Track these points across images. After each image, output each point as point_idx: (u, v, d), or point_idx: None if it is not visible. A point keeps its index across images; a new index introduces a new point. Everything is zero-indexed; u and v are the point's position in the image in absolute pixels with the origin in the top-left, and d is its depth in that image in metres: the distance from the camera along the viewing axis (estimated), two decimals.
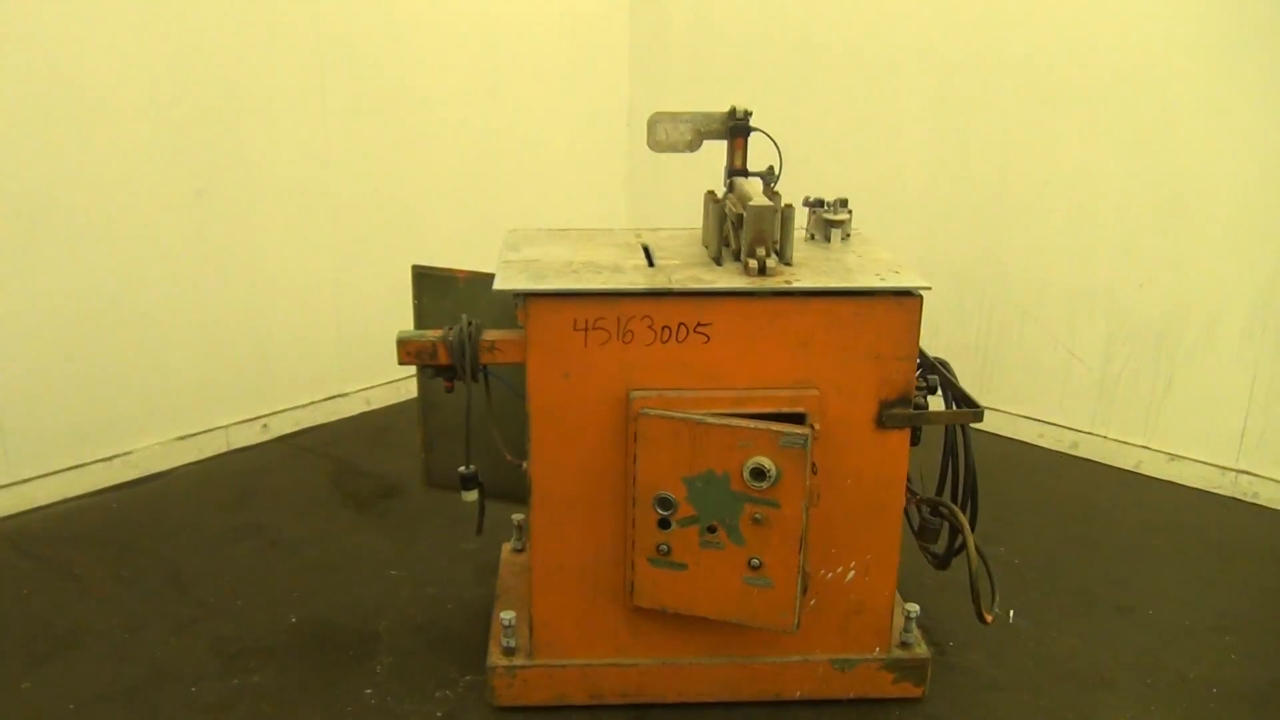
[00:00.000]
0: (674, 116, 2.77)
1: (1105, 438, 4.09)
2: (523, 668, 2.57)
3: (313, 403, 4.39)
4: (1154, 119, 3.76)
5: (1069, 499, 3.84)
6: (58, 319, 3.57)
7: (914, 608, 2.62)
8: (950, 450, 2.68)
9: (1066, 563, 3.36)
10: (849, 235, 2.80)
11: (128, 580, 3.16)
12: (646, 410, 2.32)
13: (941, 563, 2.85)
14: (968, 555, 2.52)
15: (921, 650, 2.64)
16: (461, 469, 2.52)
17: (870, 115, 4.50)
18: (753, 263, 2.38)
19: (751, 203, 2.41)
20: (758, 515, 2.31)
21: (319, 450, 4.17)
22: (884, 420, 2.43)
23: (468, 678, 2.70)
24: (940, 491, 2.74)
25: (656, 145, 2.79)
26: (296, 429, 4.32)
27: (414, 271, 3.00)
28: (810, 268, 2.48)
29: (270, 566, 3.26)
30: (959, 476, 2.68)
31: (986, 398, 4.36)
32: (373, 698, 2.64)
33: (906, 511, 2.80)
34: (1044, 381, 4.21)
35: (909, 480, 2.88)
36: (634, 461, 2.35)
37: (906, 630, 2.63)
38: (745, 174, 2.75)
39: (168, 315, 3.86)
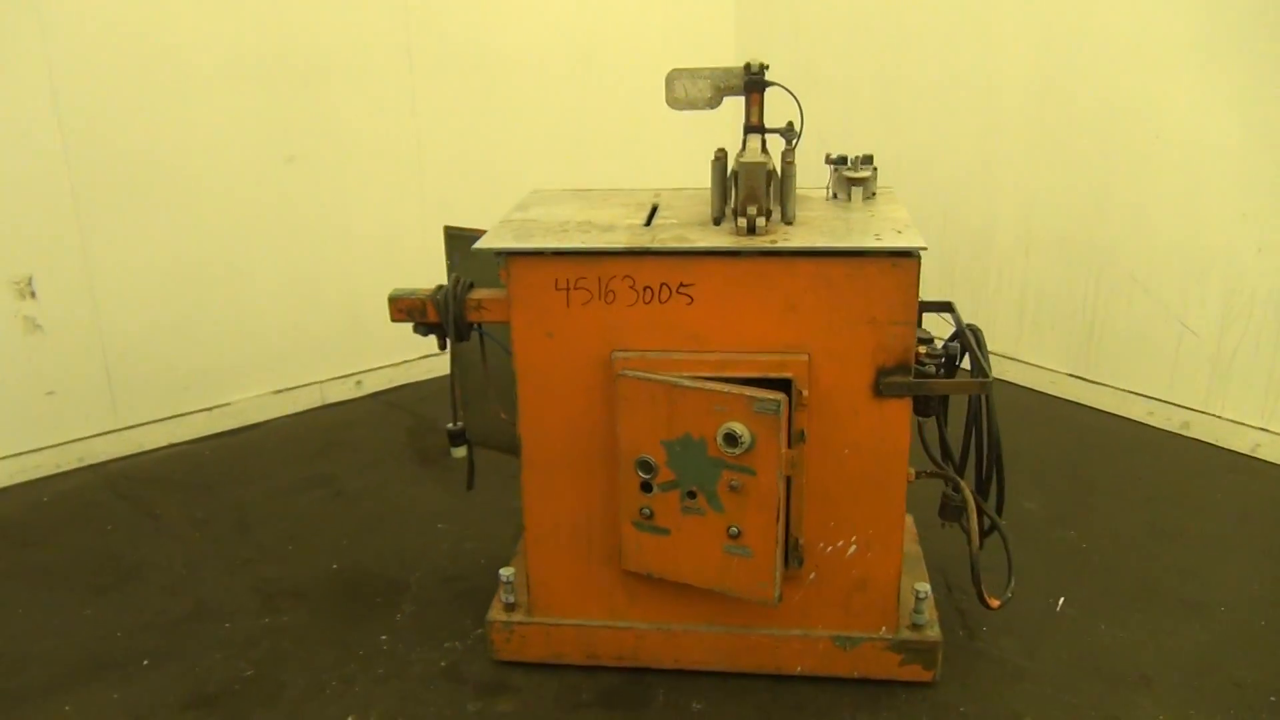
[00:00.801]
0: (693, 73, 2.68)
1: (1219, 417, 3.72)
2: (520, 624, 2.60)
3: (406, 361, 4.55)
4: (1273, 67, 3.37)
5: (1167, 483, 3.53)
6: (162, 278, 3.84)
7: (925, 587, 2.48)
8: (973, 420, 2.52)
9: (1142, 550, 3.09)
10: (874, 194, 2.66)
11: (200, 522, 3.38)
12: (625, 371, 2.29)
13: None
14: (968, 535, 2.36)
15: (933, 633, 2.49)
16: (449, 426, 2.56)
17: (969, 67, 4.24)
18: (742, 221, 2.30)
19: (743, 159, 2.32)
20: (734, 482, 2.24)
21: (406, 407, 4.33)
22: (881, 389, 2.30)
23: (479, 631, 2.75)
24: (963, 466, 2.57)
25: (675, 103, 2.71)
26: (389, 386, 4.50)
27: (445, 232, 3.06)
28: (811, 227, 2.37)
29: (330, 515, 3.42)
30: (981, 449, 2.51)
31: (1092, 370, 4.07)
32: (385, 644, 2.73)
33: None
34: (1154, 354, 3.87)
35: (944, 454, 2.73)
36: (616, 423, 2.33)
37: (918, 611, 2.50)
38: (762, 131, 2.64)
39: (264, 275, 4.09)
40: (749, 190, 2.31)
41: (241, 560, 3.15)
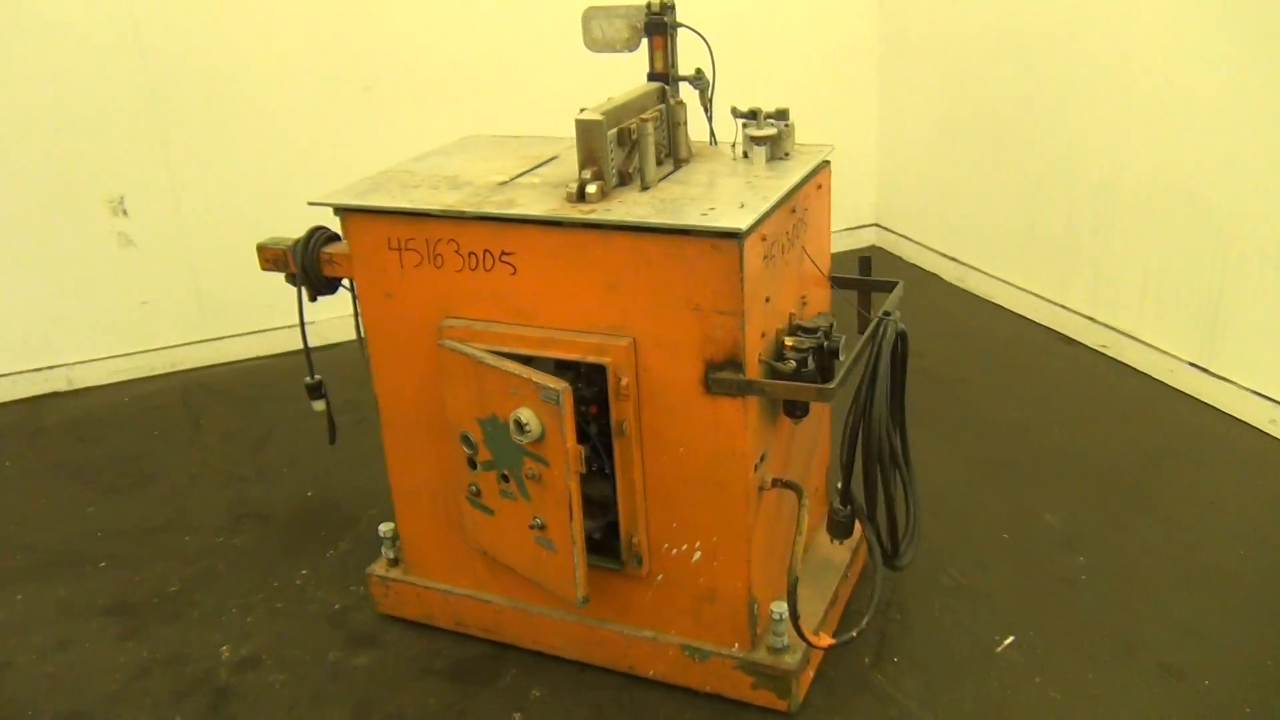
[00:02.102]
0: (609, 11, 2.44)
1: None
2: (395, 581, 2.58)
3: None
4: None
5: (1248, 512, 2.88)
6: (244, 199, 4.08)
7: (780, 607, 2.19)
8: (861, 417, 2.15)
9: (1152, 592, 2.56)
10: (788, 154, 2.30)
11: (230, 435, 3.62)
12: (445, 341, 2.17)
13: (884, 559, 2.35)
14: (793, 555, 2.04)
15: (790, 660, 2.20)
16: (306, 379, 2.54)
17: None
18: (572, 186, 2.07)
19: (578, 116, 2.08)
20: (532, 472, 2.07)
21: None
22: (710, 385, 2.02)
23: None
24: (849, 473, 2.22)
25: (593, 44, 2.49)
26: None
27: None
28: (657, 196, 2.09)
29: (342, 441, 3.51)
30: (870, 463, 2.16)
31: (1214, 361, 3.39)
32: (301, 579, 2.82)
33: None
34: None
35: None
36: (443, 394, 2.22)
37: (775, 633, 2.21)
38: (666, 79, 2.36)
39: None
40: (586, 152, 2.07)
41: (238, 477, 3.35)
